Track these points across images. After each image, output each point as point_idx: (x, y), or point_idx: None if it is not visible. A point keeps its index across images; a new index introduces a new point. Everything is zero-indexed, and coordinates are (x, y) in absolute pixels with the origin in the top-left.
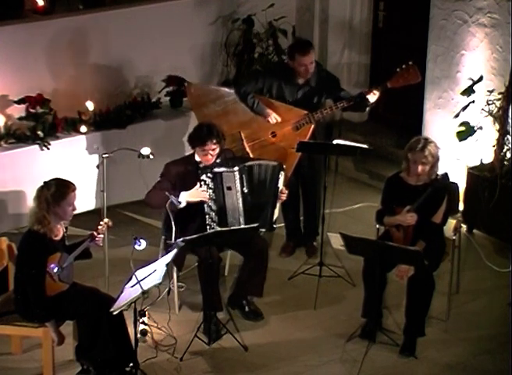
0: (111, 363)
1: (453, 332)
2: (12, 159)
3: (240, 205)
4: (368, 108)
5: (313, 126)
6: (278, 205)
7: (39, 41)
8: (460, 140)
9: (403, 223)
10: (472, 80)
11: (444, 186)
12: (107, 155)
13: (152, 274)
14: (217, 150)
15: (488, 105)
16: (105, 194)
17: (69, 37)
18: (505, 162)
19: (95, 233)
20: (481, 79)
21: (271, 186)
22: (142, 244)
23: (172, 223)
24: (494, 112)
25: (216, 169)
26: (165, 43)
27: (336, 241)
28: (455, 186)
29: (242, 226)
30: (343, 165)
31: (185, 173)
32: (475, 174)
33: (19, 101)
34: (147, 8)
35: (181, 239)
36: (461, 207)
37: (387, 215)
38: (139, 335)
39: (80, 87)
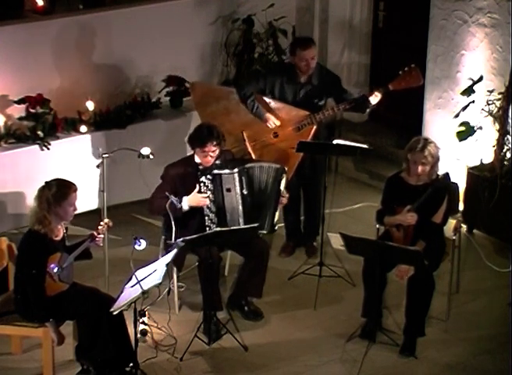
0: (111, 363)
1: (453, 332)
2: (12, 159)
3: (240, 206)
4: (368, 110)
5: (315, 127)
6: (279, 207)
7: (39, 41)
8: (460, 140)
9: (403, 222)
10: (472, 80)
11: (444, 186)
12: (107, 155)
13: (152, 274)
14: (217, 152)
15: (488, 105)
16: (105, 194)
17: (69, 37)
18: (505, 162)
19: (95, 233)
20: (481, 79)
21: (272, 188)
22: (142, 244)
23: (172, 223)
24: (494, 112)
25: (216, 171)
26: (165, 43)
27: (336, 241)
28: (455, 186)
29: (242, 226)
30: (343, 165)
31: (185, 175)
32: (475, 174)
33: (19, 101)
34: (147, 8)
35: (181, 239)
36: (461, 207)
37: (387, 215)
38: (139, 335)
39: (80, 87)
